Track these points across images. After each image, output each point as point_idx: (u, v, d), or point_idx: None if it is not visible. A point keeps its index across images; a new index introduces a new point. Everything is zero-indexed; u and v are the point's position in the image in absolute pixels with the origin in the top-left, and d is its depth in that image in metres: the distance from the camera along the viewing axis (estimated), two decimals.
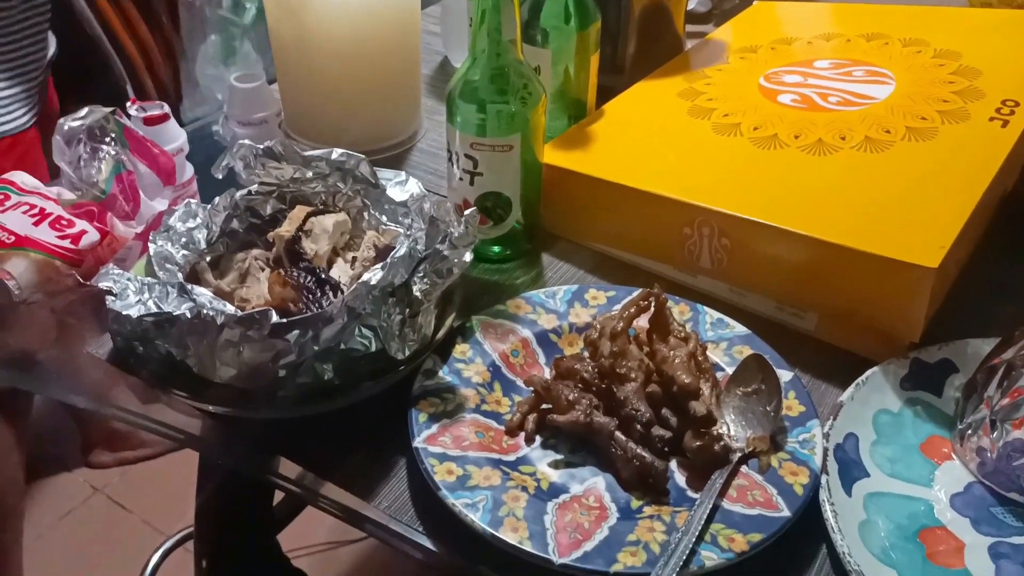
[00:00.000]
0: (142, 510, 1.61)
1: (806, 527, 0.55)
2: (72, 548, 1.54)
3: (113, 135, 0.70)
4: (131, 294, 0.59)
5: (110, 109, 0.71)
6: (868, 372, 0.64)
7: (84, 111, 0.70)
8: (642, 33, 0.97)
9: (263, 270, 0.68)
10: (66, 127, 0.70)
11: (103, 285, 0.59)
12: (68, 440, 1.67)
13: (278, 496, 1.17)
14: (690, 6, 1.20)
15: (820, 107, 0.82)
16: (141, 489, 1.65)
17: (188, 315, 0.57)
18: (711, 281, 0.73)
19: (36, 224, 0.70)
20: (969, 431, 0.60)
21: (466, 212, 0.63)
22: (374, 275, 0.58)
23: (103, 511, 1.62)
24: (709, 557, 0.52)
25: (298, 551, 1.28)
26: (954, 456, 0.61)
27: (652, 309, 0.63)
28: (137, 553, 1.49)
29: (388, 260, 0.59)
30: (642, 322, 0.64)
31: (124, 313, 0.58)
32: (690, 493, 0.58)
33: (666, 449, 0.59)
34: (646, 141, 0.81)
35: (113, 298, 0.59)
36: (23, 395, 1.15)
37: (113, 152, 0.70)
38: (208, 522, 1.03)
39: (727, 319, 0.69)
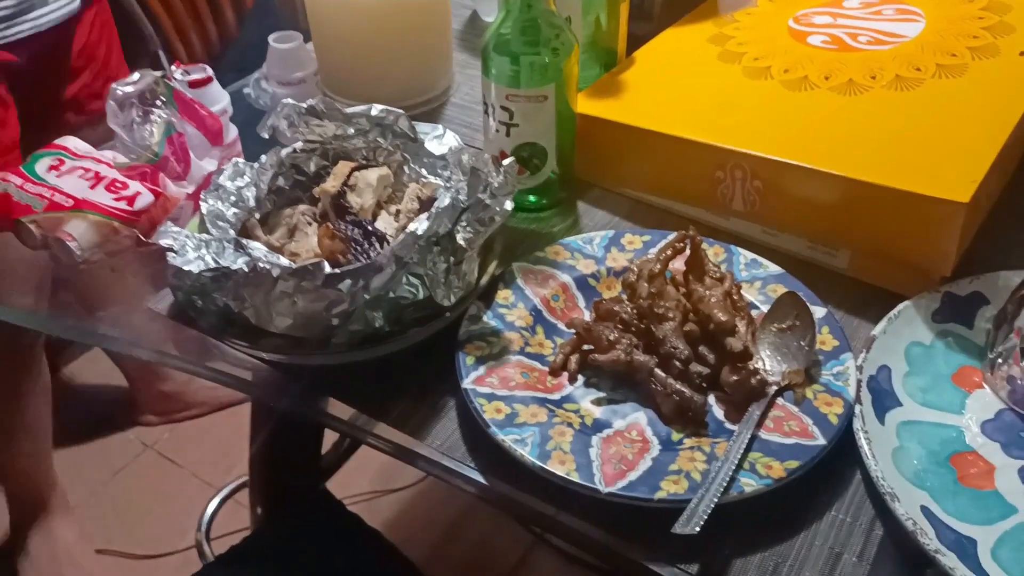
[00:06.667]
0: (192, 465, 1.67)
1: (842, 456, 0.58)
2: (126, 504, 1.61)
3: (163, 98, 0.73)
4: (190, 250, 0.62)
5: (160, 73, 0.73)
6: (900, 306, 0.66)
7: (136, 76, 0.73)
8: None
9: (310, 224, 0.71)
10: (119, 92, 0.72)
11: (164, 243, 0.62)
12: (119, 403, 1.73)
13: (325, 446, 1.22)
14: None
15: (850, 47, 0.82)
16: (190, 445, 1.71)
17: (245, 269, 0.60)
18: (744, 223, 0.75)
19: (92, 187, 0.73)
20: (999, 360, 0.62)
21: (504, 162, 0.65)
22: (420, 225, 0.61)
23: (154, 467, 1.68)
24: (748, 483, 0.54)
25: (343, 499, 1.33)
26: (984, 385, 0.63)
27: (688, 251, 0.65)
28: (189, 506, 1.56)
29: (433, 210, 0.62)
30: (678, 264, 0.66)
31: (184, 269, 0.61)
32: (728, 425, 0.60)
33: (704, 384, 0.61)
34: (677, 87, 0.83)
35: (174, 254, 0.62)
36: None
37: (164, 115, 0.72)
38: (261, 470, 1.07)
39: (761, 259, 0.71)
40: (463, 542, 1.54)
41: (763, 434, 0.58)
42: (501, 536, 1.53)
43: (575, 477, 0.55)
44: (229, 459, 1.62)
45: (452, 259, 0.63)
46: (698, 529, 0.51)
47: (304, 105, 0.71)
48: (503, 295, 0.68)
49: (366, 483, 1.58)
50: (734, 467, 0.55)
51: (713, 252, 0.71)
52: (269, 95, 0.93)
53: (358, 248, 0.66)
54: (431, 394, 0.64)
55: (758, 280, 0.69)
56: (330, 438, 1.24)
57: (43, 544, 1.43)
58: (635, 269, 0.65)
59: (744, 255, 0.71)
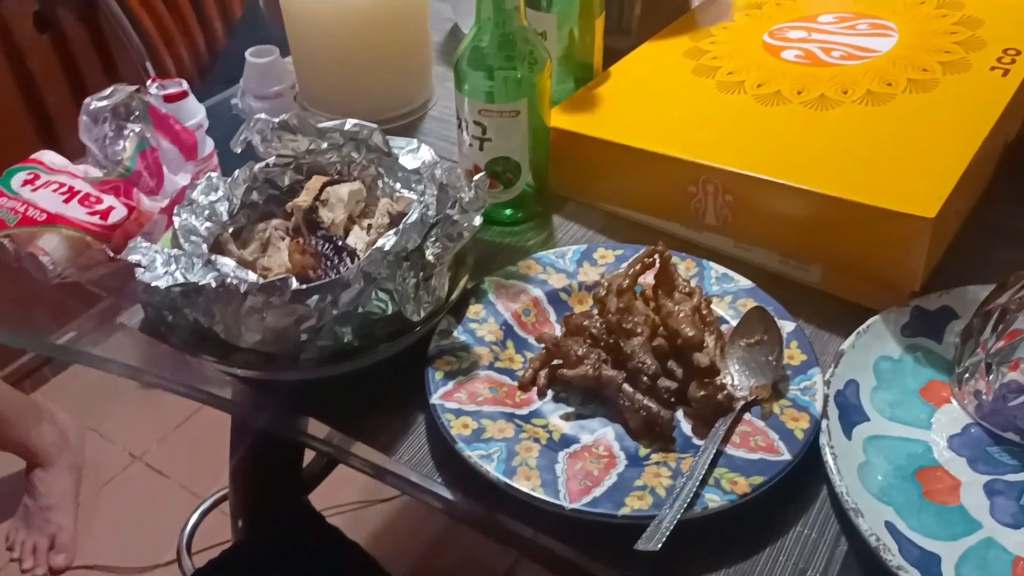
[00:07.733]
0: (180, 476, 1.67)
1: (808, 471, 0.58)
2: (113, 517, 1.60)
3: (137, 113, 0.73)
4: (159, 266, 0.63)
5: (134, 88, 0.74)
6: (869, 321, 0.66)
7: (109, 90, 0.73)
8: None
9: (283, 239, 0.71)
10: (92, 106, 0.73)
11: (132, 258, 0.62)
12: None
13: (307, 458, 1.22)
14: None
15: (823, 62, 0.83)
16: (178, 455, 1.71)
17: (213, 284, 0.60)
18: (716, 237, 0.75)
19: (66, 202, 0.73)
20: (966, 375, 0.62)
21: (475, 177, 0.66)
22: (388, 241, 0.61)
23: (142, 479, 1.68)
24: (712, 499, 0.54)
25: (329, 510, 1.34)
26: (952, 400, 0.63)
27: (657, 265, 0.66)
28: (176, 516, 1.55)
29: (401, 226, 0.62)
30: (649, 279, 0.66)
31: (153, 284, 0.62)
32: (695, 440, 0.60)
33: (672, 399, 0.61)
34: (651, 102, 0.83)
35: (142, 270, 0.62)
36: None
37: (137, 129, 0.72)
38: (242, 483, 1.07)
39: (732, 274, 0.71)
40: (450, 554, 1.54)
41: (729, 449, 0.58)
42: (488, 549, 1.53)
43: (540, 493, 0.55)
44: (216, 469, 1.62)
45: (422, 274, 0.64)
46: (660, 546, 0.51)
47: (276, 120, 0.71)
48: (474, 310, 0.68)
49: (354, 493, 1.58)
50: (698, 483, 0.55)
51: (685, 266, 0.71)
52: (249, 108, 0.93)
53: (328, 263, 0.66)
54: (402, 409, 0.64)
55: (729, 294, 0.69)
56: (312, 451, 1.24)
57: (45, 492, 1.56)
58: (605, 283, 0.66)
59: (715, 269, 0.71)
